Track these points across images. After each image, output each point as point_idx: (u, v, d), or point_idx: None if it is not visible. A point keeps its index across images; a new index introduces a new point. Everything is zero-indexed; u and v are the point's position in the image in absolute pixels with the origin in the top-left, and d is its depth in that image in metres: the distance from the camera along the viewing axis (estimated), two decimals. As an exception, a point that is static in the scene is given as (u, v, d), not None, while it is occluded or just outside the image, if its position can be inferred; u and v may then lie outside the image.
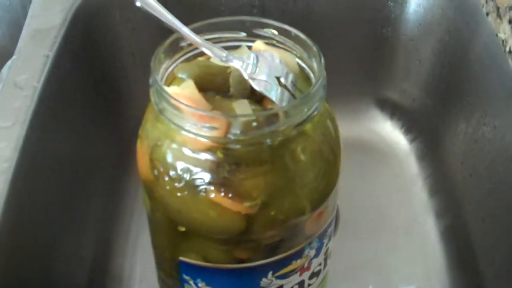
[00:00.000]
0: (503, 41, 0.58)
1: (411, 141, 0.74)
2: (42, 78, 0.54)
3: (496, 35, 0.59)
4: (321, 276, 0.50)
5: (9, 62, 0.56)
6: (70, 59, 0.59)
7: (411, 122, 0.74)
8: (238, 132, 0.39)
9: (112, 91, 0.68)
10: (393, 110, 0.75)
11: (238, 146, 0.40)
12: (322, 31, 0.72)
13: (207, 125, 0.39)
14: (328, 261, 0.50)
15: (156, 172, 0.42)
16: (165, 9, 0.42)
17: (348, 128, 0.72)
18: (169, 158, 0.41)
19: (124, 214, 0.66)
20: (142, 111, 0.45)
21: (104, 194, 0.65)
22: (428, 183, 0.70)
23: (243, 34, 0.46)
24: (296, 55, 0.45)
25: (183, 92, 0.41)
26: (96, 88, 0.65)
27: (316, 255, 0.47)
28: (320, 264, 0.48)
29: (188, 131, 0.40)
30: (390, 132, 0.75)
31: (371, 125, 0.76)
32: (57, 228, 0.54)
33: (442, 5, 0.67)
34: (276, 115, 0.39)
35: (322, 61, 0.42)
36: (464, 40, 0.65)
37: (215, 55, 0.43)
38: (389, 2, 0.69)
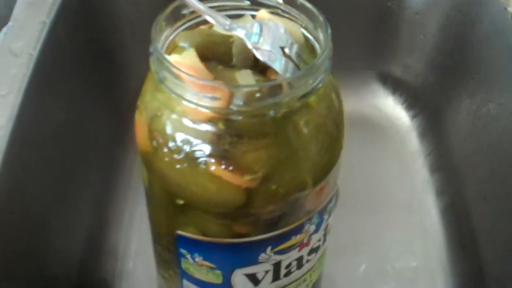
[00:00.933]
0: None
1: (413, 117, 0.73)
2: (39, 46, 0.52)
3: (505, 8, 0.58)
4: (320, 252, 0.49)
5: (4, 29, 0.55)
6: (67, 27, 0.58)
7: (413, 98, 0.73)
8: (241, 103, 0.38)
9: (110, 61, 0.66)
10: (395, 86, 0.74)
11: (240, 118, 0.38)
12: (325, 2, 0.70)
13: (209, 95, 0.38)
14: (328, 237, 0.50)
15: (155, 143, 0.41)
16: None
17: (349, 103, 0.70)
18: (169, 129, 0.40)
19: (120, 187, 0.65)
20: (141, 82, 0.44)
21: (100, 167, 0.64)
22: (429, 160, 0.69)
23: (247, 2, 0.45)
24: (301, 25, 0.44)
25: (184, 61, 0.40)
26: (94, 58, 0.63)
27: (316, 231, 0.46)
28: (319, 240, 0.47)
29: (189, 101, 0.38)
30: (392, 108, 0.74)
31: (372, 100, 0.75)
32: (51, 201, 0.53)
33: (448, -22, 0.65)
34: (280, 86, 0.38)
35: (329, 31, 0.41)
36: (471, 14, 0.64)
37: (218, 23, 0.41)
38: (395, -25, 0.68)
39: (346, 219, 0.62)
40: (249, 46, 0.41)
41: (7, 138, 0.46)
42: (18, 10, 0.56)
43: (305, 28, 0.44)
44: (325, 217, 0.46)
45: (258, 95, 0.38)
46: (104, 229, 0.63)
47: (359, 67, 0.75)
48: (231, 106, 0.38)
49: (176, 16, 0.43)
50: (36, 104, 0.51)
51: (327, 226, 0.48)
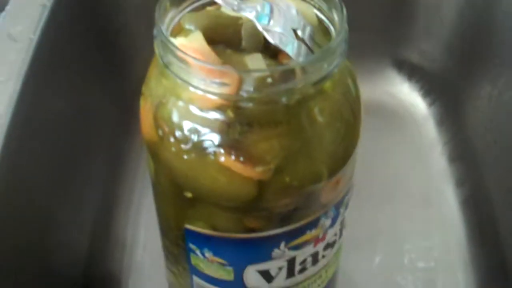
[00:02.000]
0: (535, -2, 0.54)
1: (430, 104, 0.70)
2: (39, 30, 0.50)
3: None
4: (336, 247, 0.46)
5: (3, 13, 0.52)
6: (68, 10, 0.55)
7: (431, 84, 0.71)
8: (251, 89, 0.35)
9: (114, 45, 0.64)
10: (412, 71, 0.72)
11: (251, 105, 0.36)
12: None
13: (217, 80, 0.35)
14: (344, 232, 0.47)
15: (160, 132, 0.39)
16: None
17: (364, 90, 0.68)
18: (175, 117, 0.38)
19: (127, 176, 0.63)
20: (146, 67, 0.42)
21: (105, 155, 0.62)
22: (448, 149, 0.66)
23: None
24: (314, 6, 0.41)
25: (190, 44, 0.37)
26: (97, 42, 0.61)
27: (331, 225, 0.43)
28: (335, 235, 0.45)
29: (196, 87, 0.36)
30: (408, 95, 0.72)
31: (388, 87, 0.73)
32: (54, 192, 0.51)
33: (468, -40, 0.62)
34: (293, 71, 0.36)
35: (344, 12, 0.38)
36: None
37: (225, 3, 0.39)
38: (411, -44, 0.65)
39: (361, 210, 0.59)
40: (259, 28, 0.38)
41: (6, 127, 0.44)
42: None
43: (319, 9, 0.41)
44: (342, 210, 0.44)
45: (269, 80, 0.35)
46: (111, 220, 0.61)
47: (373, 53, 0.72)
48: (241, 93, 0.35)
49: (182, -4, 0.41)
50: (36, 90, 0.48)
51: (343, 220, 0.45)
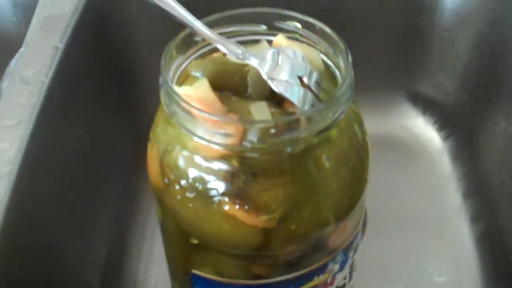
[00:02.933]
0: (549, 34, 0.54)
1: (445, 138, 0.70)
2: (51, 72, 0.50)
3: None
4: (346, 289, 0.46)
5: (16, 55, 0.53)
6: (81, 51, 0.56)
7: (445, 118, 0.70)
8: (255, 139, 0.35)
9: (126, 83, 0.64)
10: (426, 105, 0.71)
11: (255, 155, 0.36)
12: (352, 19, 0.68)
13: (221, 131, 0.35)
14: (354, 274, 0.47)
15: (166, 180, 0.39)
16: (177, 2, 0.38)
17: (378, 123, 0.68)
18: (180, 166, 0.38)
19: (139, 215, 0.63)
20: (158, 104, 0.42)
21: (117, 194, 0.62)
22: (463, 184, 0.66)
23: (263, 27, 0.42)
24: (320, 51, 0.41)
25: (196, 93, 0.37)
26: (109, 81, 0.61)
27: (340, 269, 0.43)
28: (345, 278, 0.45)
29: (201, 138, 0.36)
30: (422, 128, 0.71)
31: (402, 121, 0.72)
32: (66, 232, 0.51)
33: (482, -6, 0.62)
34: (297, 121, 0.35)
35: (350, 59, 0.38)
36: (505, 32, 0.60)
37: (230, 52, 0.39)
38: (424, -10, 0.65)
39: (375, 243, 0.59)
40: (264, 76, 0.38)
41: (16, 173, 0.44)
42: (31, 34, 0.55)
43: (325, 54, 0.41)
44: (350, 254, 0.44)
45: (273, 130, 0.35)
46: (123, 258, 0.61)
47: (388, 86, 0.72)
48: (245, 143, 0.35)
49: (188, 43, 0.41)
50: (47, 134, 0.49)
51: (352, 263, 0.45)
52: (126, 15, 0.62)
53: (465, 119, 0.67)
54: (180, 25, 0.40)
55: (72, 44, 0.54)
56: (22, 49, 0.53)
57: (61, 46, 0.53)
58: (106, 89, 0.61)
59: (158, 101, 0.42)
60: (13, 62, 0.53)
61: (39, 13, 0.56)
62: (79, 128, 0.55)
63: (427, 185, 0.67)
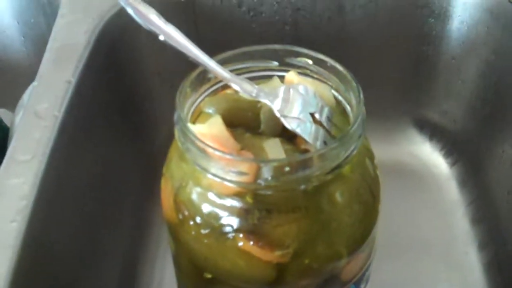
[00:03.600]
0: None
1: (452, 164, 0.70)
2: (64, 107, 0.51)
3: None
4: (358, 319, 0.46)
5: (30, 88, 0.54)
6: (93, 84, 0.56)
7: (452, 145, 0.70)
8: (269, 177, 0.36)
9: (138, 114, 0.65)
10: (433, 132, 0.72)
11: (269, 192, 0.36)
12: (358, 48, 0.68)
13: (236, 169, 0.36)
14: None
15: (180, 215, 0.39)
16: (191, 42, 0.39)
17: (385, 150, 0.68)
18: (194, 202, 0.38)
19: (150, 244, 0.63)
20: (169, 135, 0.42)
21: (129, 222, 0.62)
22: (470, 211, 0.66)
23: (275, 63, 0.43)
24: (332, 87, 0.42)
25: (210, 131, 0.38)
26: (121, 112, 0.62)
27: (352, 301, 0.43)
28: (356, 309, 0.45)
29: (215, 175, 0.36)
30: (429, 155, 0.72)
31: (409, 147, 0.72)
32: (79, 264, 0.52)
33: (487, 23, 0.62)
34: (310, 159, 0.36)
35: (361, 96, 0.39)
36: (510, 60, 0.61)
37: (244, 91, 0.40)
38: (430, 19, 0.65)
39: (383, 271, 0.59)
40: (277, 114, 0.39)
41: (31, 208, 0.44)
42: (43, 68, 0.55)
43: (336, 90, 0.42)
44: (362, 286, 0.44)
45: (287, 169, 0.36)
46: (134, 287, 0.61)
47: (395, 113, 0.72)
48: (259, 181, 0.36)
49: (201, 80, 0.42)
50: (61, 167, 0.49)
51: (364, 294, 0.45)
52: (137, 47, 0.63)
53: (471, 145, 0.68)
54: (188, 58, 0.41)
55: (84, 78, 0.54)
56: (35, 83, 0.53)
57: (73, 80, 0.53)
58: (117, 119, 0.61)
59: (167, 131, 0.42)
60: (25, 96, 0.54)
61: (51, 47, 0.57)
62: (91, 161, 0.55)
63: (435, 212, 0.67)
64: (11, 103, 0.65)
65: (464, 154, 0.69)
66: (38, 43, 0.74)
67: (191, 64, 0.41)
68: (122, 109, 0.62)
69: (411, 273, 0.62)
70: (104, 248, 0.56)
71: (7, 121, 0.64)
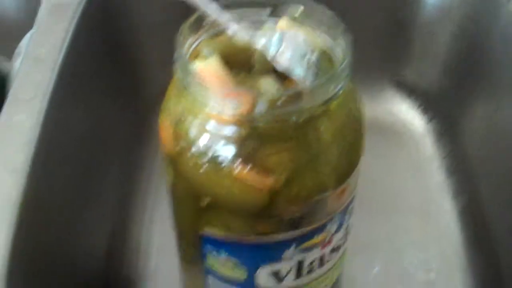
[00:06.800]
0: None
1: (428, 121, 0.74)
2: (62, 52, 0.53)
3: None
4: (341, 251, 0.50)
5: (28, 35, 0.56)
6: (88, 33, 0.59)
7: (428, 103, 0.74)
8: (264, 109, 0.39)
9: (130, 64, 0.68)
10: (410, 90, 0.75)
11: (263, 123, 0.39)
12: (339, 12, 0.71)
13: (233, 102, 0.39)
14: (348, 237, 0.50)
15: (179, 148, 0.42)
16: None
17: (365, 108, 0.71)
18: (193, 134, 0.41)
19: (140, 186, 0.66)
20: (160, 86, 0.45)
21: (121, 168, 0.65)
22: (445, 163, 0.70)
23: (268, 10, 0.46)
24: (320, 34, 0.45)
25: (208, 68, 0.41)
26: (114, 62, 0.65)
27: (337, 231, 0.47)
28: (340, 239, 0.49)
29: (213, 108, 0.39)
30: (407, 112, 0.75)
31: (387, 105, 0.76)
32: (76, 203, 0.55)
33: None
34: (301, 94, 0.39)
35: (349, 39, 0.42)
36: (484, 24, 0.64)
37: (239, 35, 0.43)
38: (407, -14, 0.69)
39: (361, 221, 0.62)
40: (269, 57, 0.42)
41: (36, 142, 0.47)
42: (41, 16, 0.57)
43: (325, 36, 0.45)
44: (346, 217, 0.48)
45: (280, 102, 0.39)
46: (126, 227, 0.64)
47: (374, 73, 0.76)
48: (255, 113, 0.39)
49: (199, 25, 0.44)
50: (60, 109, 0.52)
51: (348, 226, 0.49)
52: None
53: (447, 103, 0.71)
54: (178, 7, 0.43)
55: (79, 27, 0.57)
56: (33, 30, 0.56)
57: (70, 28, 0.56)
58: (110, 68, 0.64)
59: (158, 81, 0.44)
60: (23, 43, 0.56)
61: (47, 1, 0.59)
62: (86, 105, 0.58)
63: (411, 166, 0.71)
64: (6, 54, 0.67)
65: (440, 111, 0.73)
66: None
67: (183, 17, 0.44)
68: (115, 59, 0.65)
69: (387, 222, 0.66)
70: (99, 187, 0.59)
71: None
